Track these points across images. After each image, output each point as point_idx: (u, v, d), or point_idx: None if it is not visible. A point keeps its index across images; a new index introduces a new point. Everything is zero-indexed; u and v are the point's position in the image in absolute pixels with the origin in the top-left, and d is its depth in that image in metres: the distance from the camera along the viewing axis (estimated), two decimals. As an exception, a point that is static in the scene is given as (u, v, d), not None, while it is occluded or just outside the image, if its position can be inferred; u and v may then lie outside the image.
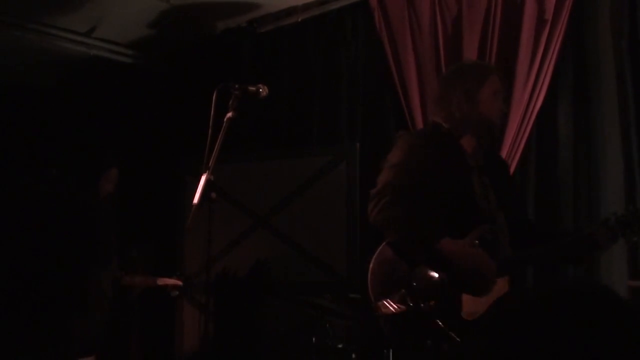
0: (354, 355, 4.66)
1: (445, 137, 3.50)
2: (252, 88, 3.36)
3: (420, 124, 5.52)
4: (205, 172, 3.09)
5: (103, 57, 7.25)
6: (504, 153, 5.08)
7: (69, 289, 1.42)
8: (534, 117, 5.07)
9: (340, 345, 4.80)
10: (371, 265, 3.51)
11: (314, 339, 4.82)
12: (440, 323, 3.22)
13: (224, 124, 3.19)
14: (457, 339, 3.19)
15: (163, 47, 7.28)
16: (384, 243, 3.48)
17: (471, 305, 3.26)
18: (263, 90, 3.39)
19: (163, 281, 5.78)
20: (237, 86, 3.29)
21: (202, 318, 6.37)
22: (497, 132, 3.60)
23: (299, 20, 6.47)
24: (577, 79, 5.02)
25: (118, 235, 5.71)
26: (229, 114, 3.21)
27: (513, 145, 5.10)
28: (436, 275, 3.31)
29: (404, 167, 3.45)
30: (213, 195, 3.07)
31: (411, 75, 5.61)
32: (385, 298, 3.35)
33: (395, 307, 3.31)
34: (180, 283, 5.75)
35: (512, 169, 5.11)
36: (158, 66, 7.50)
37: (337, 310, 4.89)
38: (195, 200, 3.04)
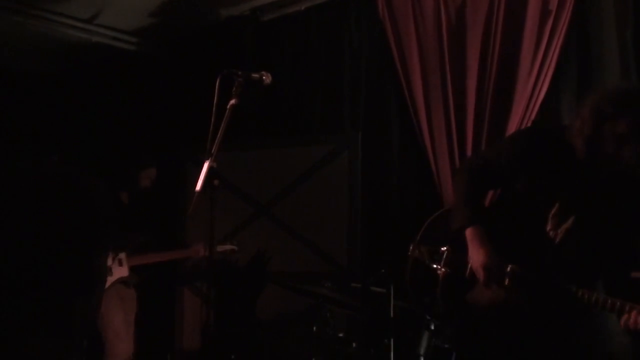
0: (354, 345, 4.65)
1: (563, 144, 3.35)
2: (256, 75, 3.34)
3: (422, 115, 5.51)
4: (207, 159, 3.08)
5: (105, 44, 7.24)
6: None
7: (74, 272, 1.42)
8: (537, 108, 5.06)
9: (341, 335, 4.79)
10: (432, 217, 3.82)
11: (314, 328, 4.81)
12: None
13: (227, 111, 3.17)
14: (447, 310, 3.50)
15: (165, 34, 7.27)
16: None
17: (476, 291, 3.45)
18: (266, 78, 3.37)
19: (222, 248, 5.89)
20: (240, 73, 3.27)
21: (202, 306, 6.38)
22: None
23: (303, 8, 6.47)
24: (581, 70, 5.00)
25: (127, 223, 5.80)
26: (232, 101, 3.19)
27: (516, 135, 5.09)
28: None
29: (499, 148, 3.57)
30: (216, 182, 3.05)
31: (414, 65, 5.59)
32: (420, 244, 3.70)
33: (419, 254, 3.66)
34: (236, 248, 5.83)
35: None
36: (160, 53, 7.49)
37: (338, 299, 4.88)
38: (198, 187, 3.03)
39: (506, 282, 3.34)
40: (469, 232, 3.46)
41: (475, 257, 3.41)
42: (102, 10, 6.75)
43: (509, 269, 3.35)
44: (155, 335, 6.69)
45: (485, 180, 3.58)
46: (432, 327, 4.59)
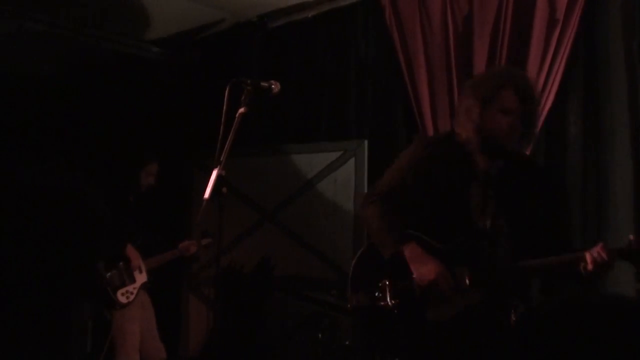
0: (359, 352, 4.66)
1: (456, 146, 3.48)
2: (265, 84, 3.35)
3: (428, 122, 5.52)
4: (216, 167, 3.09)
5: (111, 49, 7.25)
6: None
7: (71, 280, 1.44)
8: (543, 116, 5.06)
9: (346, 342, 4.81)
10: (354, 261, 3.67)
11: (320, 335, 4.83)
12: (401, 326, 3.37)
13: (236, 119, 3.18)
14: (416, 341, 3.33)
15: (173, 40, 7.28)
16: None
17: (434, 308, 3.33)
18: (275, 87, 3.38)
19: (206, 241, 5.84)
20: (249, 82, 3.28)
21: (208, 312, 6.39)
22: (507, 149, 3.36)
23: (310, 16, 6.48)
24: (587, 79, 5.00)
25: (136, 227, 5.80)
26: (241, 110, 3.20)
27: (522, 144, 5.09)
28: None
29: (398, 169, 3.59)
30: (224, 190, 3.06)
31: (421, 73, 5.60)
32: (358, 292, 3.52)
33: (363, 300, 3.48)
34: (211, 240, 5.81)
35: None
36: (167, 60, 7.50)
37: (344, 306, 4.89)
38: (206, 195, 3.04)
39: (467, 282, 3.29)
40: (407, 252, 3.38)
41: (425, 271, 3.31)
42: (110, 17, 6.77)
43: (459, 271, 3.32)
44: (161, 340, 6.69)
45: (398, 205, 3.55)
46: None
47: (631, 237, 3.04)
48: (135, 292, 5.54)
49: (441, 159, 3.49)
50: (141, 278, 5.60)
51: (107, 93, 7.79)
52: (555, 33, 4.99)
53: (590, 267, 3.07)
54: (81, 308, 1.23)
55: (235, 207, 5.95)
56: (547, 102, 5.04)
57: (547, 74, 5.01)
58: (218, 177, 3.08)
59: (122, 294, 5.44)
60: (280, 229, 6.16)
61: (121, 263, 5.57)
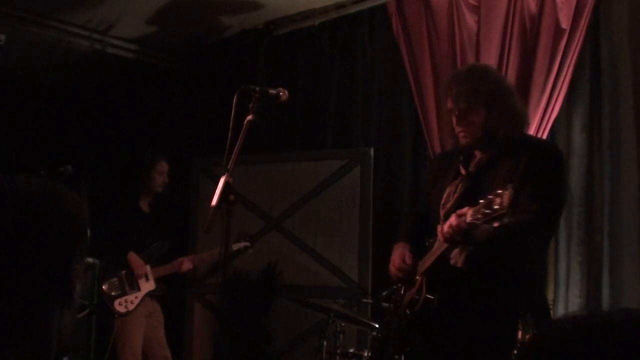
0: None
1: (455, 149, 3.59)
2: (273, 92, 3.36)
3: (434, 130, 5.53)
4: (224, 175, 3.09)
5: (119, 55, 7.28)
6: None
7: (53, 283, 1.43)
8: (549, 126, 5.07)
9: (351, 350, 4.80)
10: None
11: (324, 343, 4.82)
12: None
13: (244, 126, 3.19)
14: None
15: (179, 47, 7.30)
16: None
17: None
18: (283, 94, 3.38)
19: (237, 246, 5.83)
20: (257, 89, 3.28)
21: (213, 319, 6.38)
22: (466, 148, 3.42)
23: (316, 23, 6.49)
24: (593, 89, 5.01)
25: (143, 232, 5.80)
26: (249, 117, 3.21)
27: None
28: None
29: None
30: (232, 197, 3.06)
31: (427, 81, 5.61)
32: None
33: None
34: (249, 244, 5.78)
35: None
36: (173, 66, 7.52)
37: (349, 314, 4.89)
38: (214, 202, 3.04)
39: (417, 278, 3.42)
40: (394, 249, 3.61)
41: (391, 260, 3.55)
42: (116, 22, 6.79)
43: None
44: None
45: (412, 213, 3.85)
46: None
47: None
48: (137, 301, 5.53)
49: (440, 164, 3.67)
50: (147, 286, 5.60)
51: (114, 100, 7.82)
52: (561, 43, 5.00)
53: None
54: (54, 315, 1.23)
55: (241, 214, 5.96)
56: (553, 112, 5.05)
57: (554, 83, 5.02)
58: (225, 184, 3.08)
59: (120, 304, 5.45)
60: (286, 237, 6.15)
61: (123, 272, 5.57)
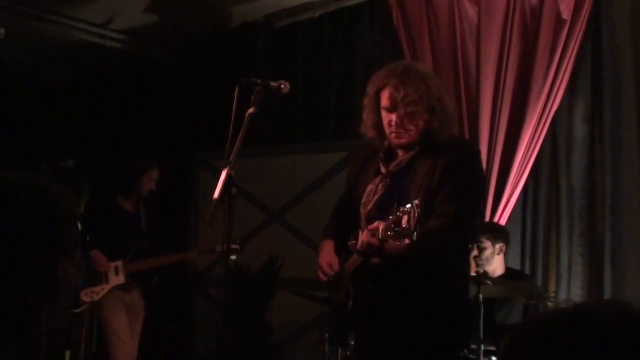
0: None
1: (378, 144, 3.55)
2: (274, 84, 3.34)
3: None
4: (226, 167, 3.08)
5: (118, 48, 7.26)
6: (519, 153, 5.08)
7: (38, 277, 1.41)
8: (550, 117, 5.07)
9: (352, 342, 4.80)
10: None
11: (326, 335, 4.82)
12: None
13: (245, 119, 3.17)
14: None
15: (179, 39, 7.28)
16: None
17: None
18: (284, 87, 3.36)
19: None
20: (258, 82, 3.27)
21: (214, 312, 6.39)
22: (395, 146, 3.40)
23: (316, 15, 6.48)
24: (595, 80, 5.00)
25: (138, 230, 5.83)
26: (251, 110, 3.19)
27: (529, 145, 5.10)
28: None
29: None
30: (234, 190, 3.05)
31: (428, 73, 5.59)
32: None
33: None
34: (238, 247, 5.79)
35: (527, 170, 5.11)
36: (174, 59, 7.51)
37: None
38: (216, 195, 3.03)
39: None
40: (320, 248, 3.64)
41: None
42: (116, 15, 6.78)
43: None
44: (169, 341, 6.70)
45: (337, 209, 3.81)
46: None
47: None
48: (102, 292, 5.64)
49: (361, 160, 3.62)
50: (116, 280, 5.68)
51: (114, 94, 7.81)
52: (562, 33, 4.99)
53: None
54: (42, 310, 1.22)
55: (241, 207, 5.95)
56: (555, 103, 5.05)
57: (555, 74, 5.02)
58: (227, 176, 3.07)
59: (86, 294, 5.58)
60: (287, 229, 6.15)
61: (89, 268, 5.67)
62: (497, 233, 4.96)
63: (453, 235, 3.28)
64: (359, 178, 3.56)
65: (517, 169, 5.14)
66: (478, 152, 3.60)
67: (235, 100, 3.16)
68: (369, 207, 3.41)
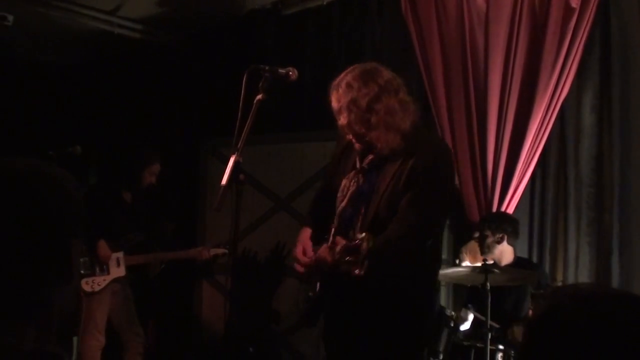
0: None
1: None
2: (282, 71, 3.33)
3: (443, 111, 5.52)
4: (234, 154, 3.07)
5: (127, 35, 7.26)
6: (527, 142, 5.08)
7: (50, 259, 1.43)
8: (559, 106, 5.06)
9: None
10: None
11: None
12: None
13: (254, 105, 3.17)
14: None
15: (188, 27, 7.28)
16: None
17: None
18: (293, 74, 3.36)
19: (214, 251, 5.89)
20: (267, 68, 3.27)
21: (221, 299, 6.40)
22: (361, 144, 3.43)
23: (324, 2, 6.46)
24: (603, 68, 4.99)
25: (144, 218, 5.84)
26: (259, 96, 3.19)
27: (537, 134, 5.09)
28: None
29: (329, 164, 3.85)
30: (242, 177, 3.05)
31: (436, 60, 5.58)
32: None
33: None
34: (227, 252, 5.80)
35: (535, 159, 5.11)
36: (183, 46, 7.50)
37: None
38: (224, 181, 3.03)
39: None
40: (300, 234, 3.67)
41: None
42: (124, 2, 6.77)
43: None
44: (176, 328, 6.73)
45: (318, 195, 3.83)
46: (452, 325, 4.63)
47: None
48: (104, 283, 5.62)
49: (340, 153, 3.67)
50: (117, 272, 5.67)
51: (122, 81, 7.81)
52: (571, 22, 4.97)
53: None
54: (54, 292, 1.23)
55: (249, 194, 5.96)
56: (563, 92, 5.03)
57: (563, 63, 5.00)
58: (235, 163, 3.06)
59: (87, 283, 5.56)
60: (294, 217, 6.16)
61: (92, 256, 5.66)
62: (498, 223, 4.97)
63: (409, 245, 3.30)
64: (339, 166, 3.61)
65: (525, 158, 5.14)
66: (446, 153, 3.55)
67: (243, 87, 3.16)
68: (342, 204, 3.46)
